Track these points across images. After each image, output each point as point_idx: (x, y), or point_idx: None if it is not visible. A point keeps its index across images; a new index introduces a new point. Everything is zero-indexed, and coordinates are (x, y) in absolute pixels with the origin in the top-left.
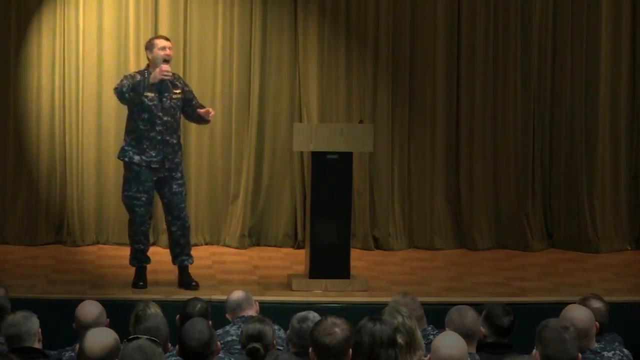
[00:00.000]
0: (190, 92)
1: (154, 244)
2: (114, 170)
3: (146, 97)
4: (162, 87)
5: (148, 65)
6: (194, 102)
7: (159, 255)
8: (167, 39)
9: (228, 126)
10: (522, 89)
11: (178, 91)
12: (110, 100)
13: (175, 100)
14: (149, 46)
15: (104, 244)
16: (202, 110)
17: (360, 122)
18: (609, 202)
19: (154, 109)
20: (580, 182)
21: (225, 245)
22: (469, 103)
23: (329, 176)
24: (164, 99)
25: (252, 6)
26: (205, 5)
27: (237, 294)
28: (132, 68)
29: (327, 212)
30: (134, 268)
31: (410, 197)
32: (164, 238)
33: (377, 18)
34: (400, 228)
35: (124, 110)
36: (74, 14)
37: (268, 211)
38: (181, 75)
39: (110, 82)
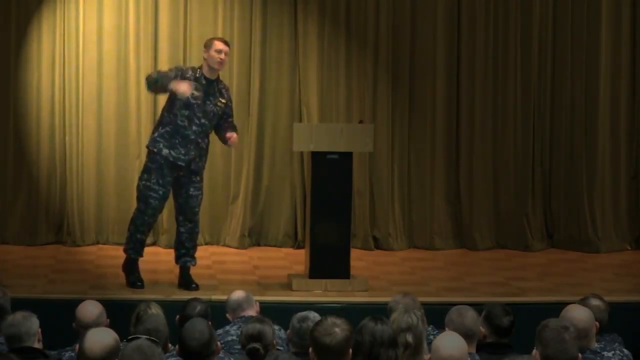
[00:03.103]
0: (231, 108)
1: (154, 244)
2: (114, 170)
3: (191, 94)
4: (210, 90)
5: (202, 65)
6: (230, 119)
7: (159, 255)
8: (227, 44)
9: None
10: (522, 89)
11: (224, 100)
12: (110, 101)
13: (218, 108)
14: (207, 45)
15: (104, 244)
16: (228, 134)
17: (360, 122)
18: (609, 202)
19: (195, 108)
20: (580, 182)
21: (225, 245)
22: (469, 103)
23: (329, 176)
24: (208, 102)
25: (252, 6)
26: (205, 5)
27: (238, 294)
28: (132, 68)
29: (327, 212)
30: (124, 263)
31: (410, 197)
32: (164, 238)
33: (377, 18)
34: (400, 228)
35: (124, 110)
36: (74, 14)
37: (268, 211)
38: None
39: (111, 82)
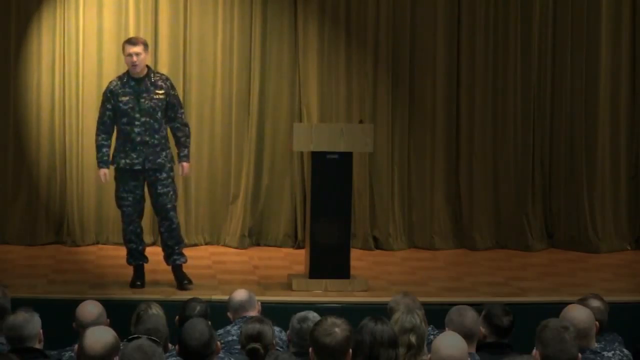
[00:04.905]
0: (175, 97)
1: (153, 244)
2: (114, 170)
3: (121, 101)
4: (139, 88)
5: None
6: (176, 110)
7: (159, 255)
8: (135, 43)
9: (228, 126)
10: (522, 88)
11: (161, 92)
12: None
13: (155, 101)
14: (122, 48)
15: (104, 244)
16: (181, 167)
17: (360, 122)
18: (609, 202)
19: (130, 111)
20: (580, 182)
21: (225, 245)
22: (469, 103)
23: (329, 176)
24: (142, 100)
25: (252, 6)
26: (205, 5)
27: (241, 295)
28: None
29: (327, 212)
30: (132, 267)
31: (410, 197)
32: None
33: (377, 18)
34: (400, 228)
35: None
36: (74, 14)
37: (268, 211)
38: (180, 75)
39: None
